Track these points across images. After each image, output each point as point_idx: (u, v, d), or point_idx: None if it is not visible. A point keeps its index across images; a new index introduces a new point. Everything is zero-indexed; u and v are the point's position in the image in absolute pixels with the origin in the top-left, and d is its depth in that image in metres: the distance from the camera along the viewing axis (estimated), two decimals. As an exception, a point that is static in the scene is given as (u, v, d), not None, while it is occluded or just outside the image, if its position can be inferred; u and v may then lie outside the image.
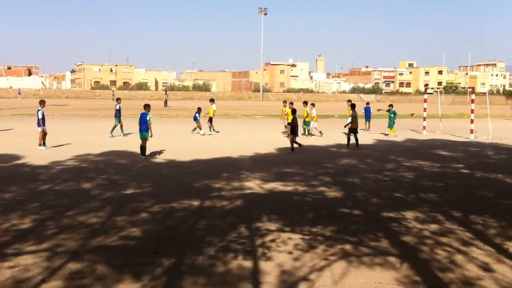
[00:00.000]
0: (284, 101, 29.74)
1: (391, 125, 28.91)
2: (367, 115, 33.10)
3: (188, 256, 7.69)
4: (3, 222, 9.40)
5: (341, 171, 16.05)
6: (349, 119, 23.36)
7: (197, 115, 27.96)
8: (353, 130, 22.17)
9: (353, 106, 23.54)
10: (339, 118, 40.21)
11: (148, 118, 18.21)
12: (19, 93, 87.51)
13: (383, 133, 29.65)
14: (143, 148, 18.25)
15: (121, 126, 26.36)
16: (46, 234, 8.73)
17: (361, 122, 32.97)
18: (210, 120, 28.68)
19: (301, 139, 25.01)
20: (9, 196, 11.69)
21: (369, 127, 32.76)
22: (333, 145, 23.22)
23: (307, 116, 28.06)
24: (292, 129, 20.73)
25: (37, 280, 6.71)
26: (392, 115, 28.80)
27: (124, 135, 26.02)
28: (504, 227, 9.64)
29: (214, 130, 28.86)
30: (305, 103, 28.89)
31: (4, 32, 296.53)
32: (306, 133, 28.44)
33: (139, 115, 18.68)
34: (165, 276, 6.97)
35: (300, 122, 23.64)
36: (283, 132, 28.27)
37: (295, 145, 20.70)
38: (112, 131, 25.95)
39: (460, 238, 8.88)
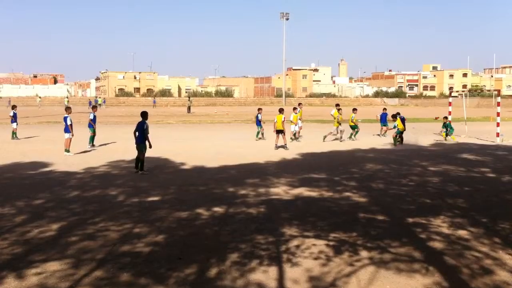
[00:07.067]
0: (294, 108, 28.97)
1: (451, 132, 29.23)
2: (383, 120, 32.65)
3: (212, 262, 7.71)
4: (31, 229, 9.54)
5: (366, 176, 15.92)
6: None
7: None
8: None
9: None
10: (362, 123, 39.87)
11: (145, 127, 16.47)
12: (96, 101, 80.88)
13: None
14: (140, 161, 16.41)
15: (93, 137, 23.78)
16: (73, 240, 8.82)
17: (378, 127, 32.86)
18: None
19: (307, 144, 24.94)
20: (38, 203, 11.86)
21: (385, 133, 32.29)
22: (359, 150, 23.10)
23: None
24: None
25: (64, 286, 6.79)
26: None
27: (93, 145, 23.58)
28: (534, 232, 9.47)
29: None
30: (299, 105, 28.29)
31: (30, 40, 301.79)
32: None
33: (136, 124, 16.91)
34: (190, 282, 6.99)
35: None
36: (291, 138, 27.70)
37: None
38: (91, 142, 23.58)
39: (488, 243, 8.73)
